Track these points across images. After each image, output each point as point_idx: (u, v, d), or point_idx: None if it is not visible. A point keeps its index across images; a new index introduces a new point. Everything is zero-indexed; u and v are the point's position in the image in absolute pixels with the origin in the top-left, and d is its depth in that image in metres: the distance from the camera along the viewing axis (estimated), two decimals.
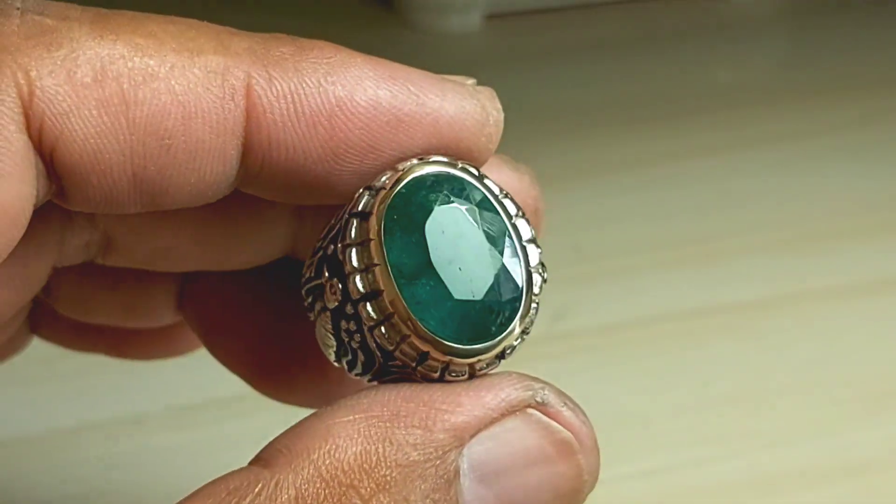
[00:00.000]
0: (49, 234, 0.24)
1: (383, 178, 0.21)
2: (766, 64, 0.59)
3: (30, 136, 0.19)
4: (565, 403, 0.20)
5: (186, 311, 0.28)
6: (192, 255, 0.26)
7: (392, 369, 0.21)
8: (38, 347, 0.31)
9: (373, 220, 0.20)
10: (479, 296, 0.20)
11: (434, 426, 0.19)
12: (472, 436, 0.19)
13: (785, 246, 0.45)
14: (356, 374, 0.22)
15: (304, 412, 0.20)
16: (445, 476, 0.19)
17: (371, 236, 0.20)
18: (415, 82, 0.21)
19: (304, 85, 0.21)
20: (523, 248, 0.21)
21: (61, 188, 0.20)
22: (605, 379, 0.39)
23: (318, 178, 0.21)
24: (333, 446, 0.19)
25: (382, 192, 0.20)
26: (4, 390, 0.38)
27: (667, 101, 0.54)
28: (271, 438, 0.19)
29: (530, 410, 0.20)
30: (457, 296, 0.20)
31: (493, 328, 0.20)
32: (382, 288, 0.20)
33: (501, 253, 0.21)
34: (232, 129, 0.20)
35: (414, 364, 0.20)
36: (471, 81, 0.22)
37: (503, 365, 0.21)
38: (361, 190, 0.21)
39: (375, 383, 0.21)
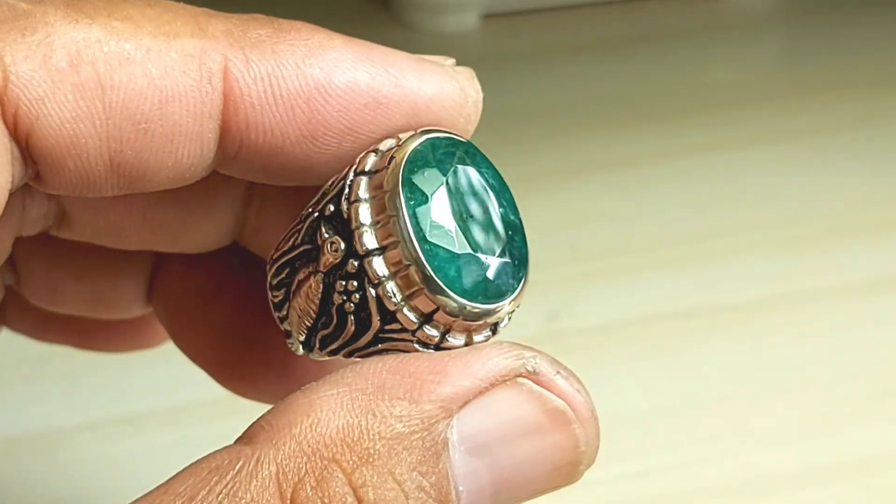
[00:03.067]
0: (12, 202, 0.24)
1: (387, 142, 0.21)
2: (762, 63, 0.59)
3: (4, 122, 0.19)
4: (558, 372, 0.20)
5: (155, 304, 0.28)
6: (142, 233, 0.26)
7: (384, 337, 0.20)
8: (33, 347, 0.31)
9: (388, 175, 0.20)
10: (492, 255, 0.20)
11: (420, 397, 0.19)
12: (461, 407, 0.19)
13: (781, 245, 0.45)
14: (330, 351, 0.21)
15: None
16: (433, 448, 0.18)
17: (387, 187, 0.20)
18: (393, 63, 0.21)
19: (281, 67, 0.21)
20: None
21: (37, 172, 0.20)
22: (601, 378, 0.39)
23: (296, 160, 0.21)
24: (315, 420, 0.18)
25: (396, 149, 0.20)
26: (1, 390, 0.38)
27: (663, 100, 0.54)
28: None
29: (521, 379, 0.19)
30: (474, 252, 0.20)
31: (505, 288, 0.20)
32: (396, 240, 0.20)
33: (510, 220, 0.21)
34: (209, 112, 0.20)
35: (416, 325, 0.20)
36: (450, 62, 0.22)
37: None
38: (364, 153, 0.21)
39: (355, 359, 0.20)
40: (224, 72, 0.20)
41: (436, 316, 0.20)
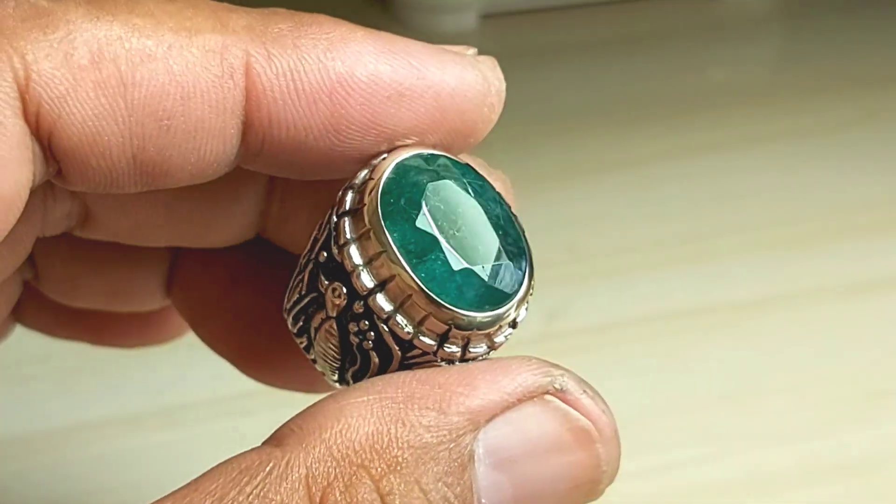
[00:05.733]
0: (34, 202, 0.24)
1: (361, 175, 0.21)
2: (760, 63, 0.59)
3: (27, 121, 0.19)
4: (585, 391, 0.20)
5: (174, 295, 0.28)
6: (166, 230, 0.26)
7: (409, 363, 0.20)
8: (32, 346, 0.31)
9: (366, 210, 0.20)
10: (489, 261, 0.20)
11: (449, 408, 0.19)
12: (488, 420, 0.19)
13: (780, 245, 0.45)
14: None
15: (300, 410, 0.20)
16: (459, 460, 0.19)
17: (369, 225, 0.20)
18: (415, 55, 0.21)
19: (303, 61, 0.21)
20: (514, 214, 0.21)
21: (59, 170, 0.20)
22: (600, 378, 0.39)
23: (320, 155, 0.21)
24: (345, 426, 0.18)
25: (370, 182, 0.20)
26: (0, 390, 0.38)
27: (661, 100, 0.54)
28: (266, 437, 0.19)
29: (548, 397, 0.19)
30: (468, 265, 0.20)
31: (507, 291, 0.20)
32: (393, 273, 0.20)
33: (500, 216, 0.21)
34: (231, 108, 0.20)
35: (435, 347, 0.20)
36: (471, 51, 0.22)
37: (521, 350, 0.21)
38: (340, 193, 0.21)
39: None
40: (246, 67, 0.20)
41: (450, 334, 0.20)
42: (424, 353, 0.20)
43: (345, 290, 0.20)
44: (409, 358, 0.20)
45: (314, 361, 0.22)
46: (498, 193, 0.21)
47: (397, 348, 0.20)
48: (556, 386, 0.19)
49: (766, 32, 0.61)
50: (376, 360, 0.21)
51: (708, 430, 0.38)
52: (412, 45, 0.21)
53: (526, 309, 0.21)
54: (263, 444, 0.19)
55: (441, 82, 0.21)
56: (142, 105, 0.20)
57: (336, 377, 0.22)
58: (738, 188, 0.49)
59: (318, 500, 0.18)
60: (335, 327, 0.21)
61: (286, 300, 0.22)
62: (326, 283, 0.21)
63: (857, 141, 0.51)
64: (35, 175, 0.20)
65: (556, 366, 0.20)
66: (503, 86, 0.22)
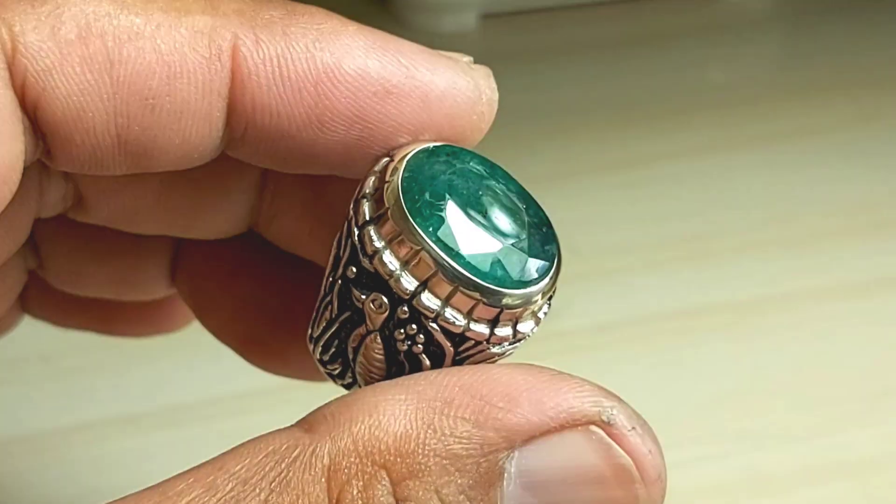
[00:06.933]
0: (29, 183, 0.24)
1: (370, 182, 0.21)
2: (760, 63, 0.59)
3: (14, 92, 0.19)
4: (634, 427, 0.19)
5: (179, 283, 0.28)
6: (156, 218, 0.25)
7: (461, 358, 0.20)
8: (33, 346, 0.31)
9: (391, 214, 0.20)
10: (523, 238, 0.20)
11: (485, 423, 0.18)
12: (525, 442, 0.18)
13: (780, 245, 0.45)
14: None
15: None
16: (488, 476, 0.18)
17: (399, 227, 0.20)
18: (406, 54, 0.21)
19: (291, 49, 0.20)
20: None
21: (46, 147, 0.20)
22: (600, 378, 0.39)
23: (303, 145, 0.21)
24: (376, 422, 0.18)
25: (387, 185, 0.20)
26: (0, 389, 0.38)
27: (662, 100, 0.54)
28: None
29: (593, 427, 0.18)
30: (504, 245, 0.20)
31: (546, 262, 0.20)
32: (434, 270, 0.19)
33: (517, 193, 0.21)
34: (217, 90, 0.20)
35: (487, 334, 0.20)
36: (467, 59, 0.22)
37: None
38: (353, 205, 0.21)
39: None
40: (233, 50, 0.20)
41: (501, 316, 0.20)
42: (477, 343, 0.20)
43: (385, 299, 0.20)
44: (461, 353, 0.20)
45: (348, 387, 0.22)
46: (506, 172, 0.21)
47: (449, 344, 0.20)
48: (604, 418, 0.19)
49: (766, 32, 0.61)
50: (427, 362, 0.20)
51: (708, 430, 0.38)
52: (404, 45, 0.21)
53: (555, 281, 0.21)
54: (294, 425, 0.19)
55: (430, 83, 0.21)
56: (127, 83, 0.20)
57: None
58: (738, 188, 0.49)
59: (336, 494, 0.18)
60: (379, 340, 0.20)
61: (312, 329, 0.22)
62: (363, 297, 0.20)
63: (857, 141, 0.51)
64: (26, 147, 0.20)
65: (610, 394, 0.19)
66: (495, 96, 0.22)
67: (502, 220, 0.20)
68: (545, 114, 0.53)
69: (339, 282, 0.21)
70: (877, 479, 0.36)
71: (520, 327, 0.20)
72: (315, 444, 0.18)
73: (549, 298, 0.21)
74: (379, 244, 0.20)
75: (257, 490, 0.18)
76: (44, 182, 0.24)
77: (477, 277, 0.19)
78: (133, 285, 0.28)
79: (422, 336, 0.20)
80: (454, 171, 0.20)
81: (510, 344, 0.20)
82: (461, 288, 0.19)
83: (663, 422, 0.38)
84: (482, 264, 0.19)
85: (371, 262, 0.20)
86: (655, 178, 0.49)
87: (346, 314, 0.21)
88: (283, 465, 0.18)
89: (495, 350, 0.20)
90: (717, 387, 0.39)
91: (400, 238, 0.20)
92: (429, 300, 0.20)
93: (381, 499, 0.18)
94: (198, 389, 0.38)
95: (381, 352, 0.21)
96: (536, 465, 0.18)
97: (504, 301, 0.20)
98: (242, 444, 0.18)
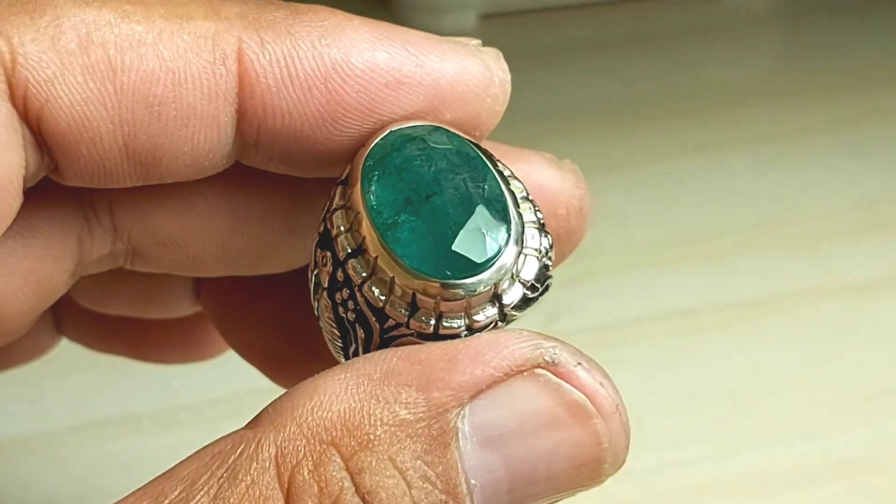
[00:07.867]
0: (62, 237, 0.23)
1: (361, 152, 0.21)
2: (760, 63, 0.59)
3: (14, 105, 0.19)
4: (580, 363, 0.19)
5: (204, 301, 0.28)
6: (221, 264, 0.25)
7: (388, 338, 0.20)
8: None
9: (350, 176, 0.20)
10: (459, 228, 0.19)
11: (428, 385, 0.18)
12: (473, 396, 0.18)
13: (780, 245, 0.45)
14: None
15: None
16: (441, 437, 0.18)
17: (351, 191, 0.19)
18: (413, 43, 0.21)
19: (297, 48, 0.20)
20: (511, 194, 0.20)
21: (54, 162, 0.20)
22: None
23: (317, 145, 0.21)
24: (318, 403, 0.18)
25: (360, 150, 0.20)
26: (0, 390, 0.38)
27: (661, 100, 0.54)
28: None
29: (539, 371, 0.18)
30: (439, 230, 0.19)
31: (476, 261, 0.19)
32: (364, 237, 0.19)
33: (489, 189, 0.20)
34: (224, 94, 0.20)
35: (406, 317, 0.19)
36: (475, 42, 0.22)
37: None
38: (345, 167, 0.21)
39: None
40: (238, 54, 0.20)
41: (418, 301, 0.19)
42: (399, 325, 0.19)
43: (330, 256, 0.20)
44: (386, 331, 0.20)
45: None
46: (499, 172, 0.20)
47: (374, 319, 0.20)
48: (547, 358, 0.18)
49: (766, 32, 0.61)
50: (362, 334, 0.20)
51: (707, 430, 0.38)
52: (411, 34, 0.21)
53: (514, 289, 0.20)
54: (241, 427, 0.19)
55: (440, 70, 0.21)
56: (131, 90, 0.19)
57: (342, 356, 0.21)
58: (738, 188, 0.49)
59: (286, 479, 0.17)
60: (328, 301, 0.20)
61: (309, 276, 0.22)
62: (320, 252, 0.20)
63: (858, 140, 0.51)
64: (28, 163, 0.20)
65: (549, 337, 0.19)
66: (507, 77, 0.22)
67: (448, 209, 0.19)
68: (545, 114, 0.53)
69: (315, 238, 0.21)
70: (877, 479, 0.36)
71: (444, 322, 0.19)
72: (259, 436, 0.18)
73: (491, 305, 0.20)
74: (338, 203, 0.20)
75: (206, 489, 0.17)
76: (84, 241, 0.24)
77: (397, 254, 0.19)
78: (158, 302, 0.28)
79: (352, 303, 0.20)
80: (423, 151, 0.20)
81: (434, 339, 0.19)
82: (380, 261, 0.19)
83: (664, 421, 0.38)
84: (407, 244, 0.19)
85: (326, 219, 0.20)
86: (655, 177, 0.49)
87: (315, 271, 0.21)
88: (229, 461, 0.18)
89: (418, 340, 0.19)
90: (717, 387, 0.39)
91: (351, 201, 0.19)
92: (357, 267, 0.19)
93: (335, 474, 0.17)
94: (198, 390, 0.38)
95: (331, 314, 0.20)
96: (488, 418, 0.18)
97: (417, 285, 0.19)
98: (190, 455, 0.18)
